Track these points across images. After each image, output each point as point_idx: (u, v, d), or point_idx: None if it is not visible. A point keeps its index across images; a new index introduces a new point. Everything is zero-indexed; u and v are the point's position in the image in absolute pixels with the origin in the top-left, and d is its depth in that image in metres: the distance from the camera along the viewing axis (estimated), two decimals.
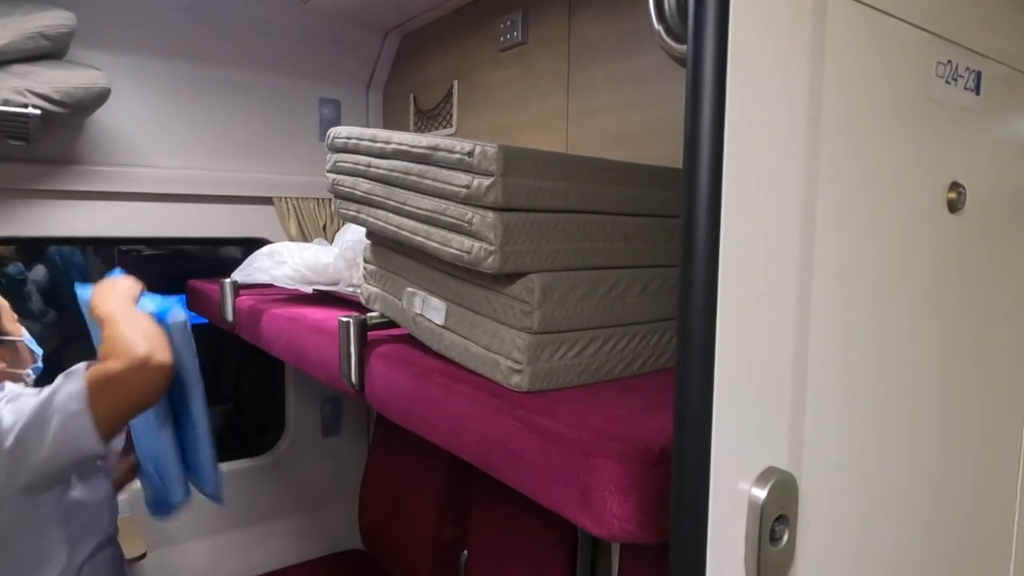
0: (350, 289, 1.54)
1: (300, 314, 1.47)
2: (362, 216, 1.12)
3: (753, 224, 0.53)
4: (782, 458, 0.60)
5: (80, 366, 1.19)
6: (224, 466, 2.50)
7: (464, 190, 0.85)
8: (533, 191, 0.84)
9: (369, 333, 1.16)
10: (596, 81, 1.73)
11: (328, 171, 1.19)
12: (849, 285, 0.68)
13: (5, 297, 1.45)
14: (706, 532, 0.53)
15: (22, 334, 1.43)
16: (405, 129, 2.51)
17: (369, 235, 1.21)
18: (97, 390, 1.14)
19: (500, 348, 0.89)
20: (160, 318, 1.32)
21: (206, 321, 2.19)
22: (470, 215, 0.85)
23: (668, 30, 0.62)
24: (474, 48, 2.16)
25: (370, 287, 1.21)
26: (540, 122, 1.92)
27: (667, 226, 0.98)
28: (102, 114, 2.04)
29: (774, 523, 0.58)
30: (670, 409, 0.79)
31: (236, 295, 1.75)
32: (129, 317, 1.25)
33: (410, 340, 1.12)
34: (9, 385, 1.26)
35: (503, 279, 0.87)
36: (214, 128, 2.32)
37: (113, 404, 1.16)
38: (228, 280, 1.76)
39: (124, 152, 2.14)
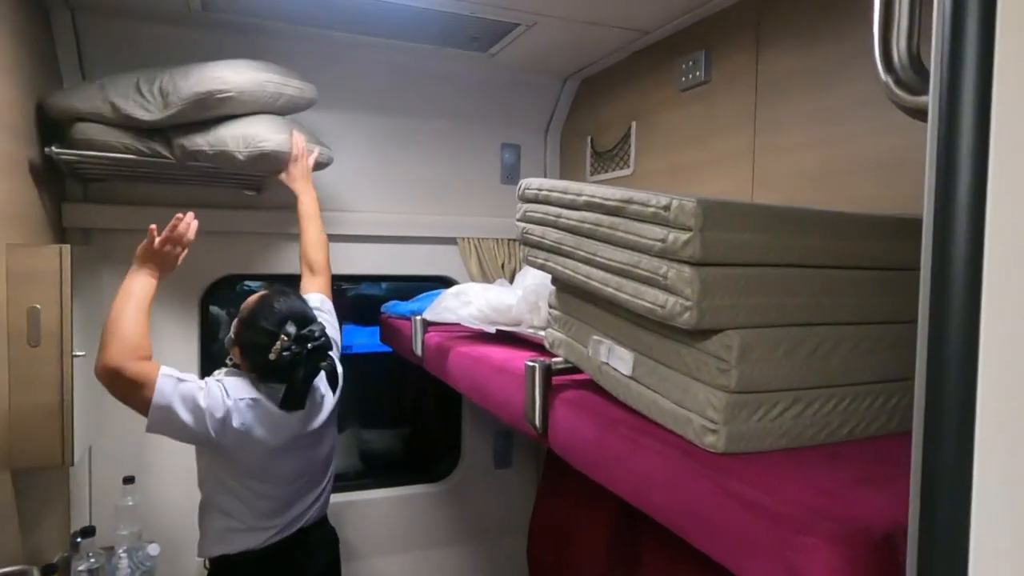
0: (531, 331, 1.58)
1: (484, 354, 1.54)
2: (550, 264, 1.15)
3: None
4: None
5: (319, 295, 1.96)
6: (402, 490, 2.67)
7: (659, 244, 0.84)
8: (732, 244, 0.82)
9: (553, 378, 1.18)
10: (785, 118, 1.65)
11: (518, 220, 1.24)
12: None
13: None
14: None
15: None
16: (582, 171, 2.56)
17: (555, 281, 1.24)
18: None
19: (693, 405, 0.86)
20: None
21: (391, 349, 2.37)
22: (665, 269, 0.84)
23: (898, 81, 0.57)
24: (653, 89, 2.16)
25: (555, 332, 1.23)
26: (722, 161, 1.86)
27: (883, 280, 0.90)
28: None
29: None
30: (892, 486, 0.73)
31: (425, 331, 1.87)
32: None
33: (594, 387, 1.12)
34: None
35: (698, 334, 0.85)
36: (407, 174, 2.52)
37: None
38: (419, 317, 1.89)
39: (336, 199, 2.41)
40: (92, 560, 1.77)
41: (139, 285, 1.61)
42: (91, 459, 2.16)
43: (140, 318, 1.58)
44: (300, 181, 2.02)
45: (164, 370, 1.57)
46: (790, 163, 1.63)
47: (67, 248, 1.64)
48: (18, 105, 1.67)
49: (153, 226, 1.62)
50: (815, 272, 0.87)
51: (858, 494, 0.71)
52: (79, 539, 1.83)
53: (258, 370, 1.63)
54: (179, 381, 1.57)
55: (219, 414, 1.56)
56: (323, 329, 1.66)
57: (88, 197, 2.13)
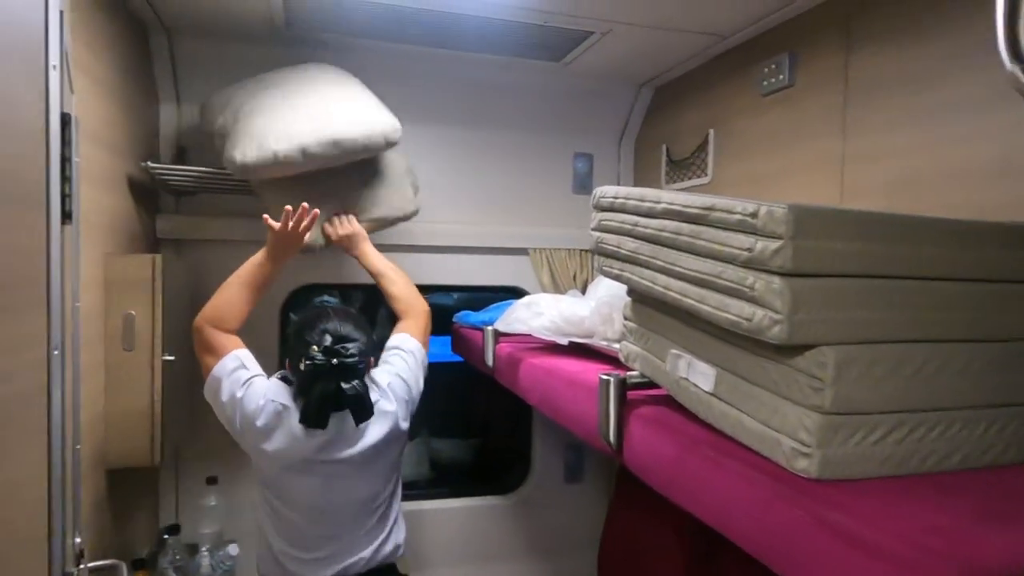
0: (604, 343, 1.54)
1: (556, 366, 1.51)
2: (626, 275, 1.11)
3: None
4: None
5: (403, 334, 1.86)
6: (471, 501, 2.66)
7: (745, 253, 0.79)
8: (827, 254, 0.76)
9: (629, 392, 1.14)
10: (878, 122, 1.55)
11: (593, 229, 1.21)
12: None
13: None
14: None
15: None
16: (656, 179, 2.50)
17: (630, 292, 1.20)
18: (423, 340, 1.89)
19: (782, 426, 0.80)
20: None
21: (462, 359, 2.37)
22: (752, 280, 0.79)
23: None
24: (732, 95, 2.08)
25: (630, 345, 1.19)
26: (806, 168, 1.77)
27: (999, 293, 0.82)
28: None
29: None
30: (1015, 523, 0.65)
31: (496, 342, 1.85)
32: (400, 272, 1.97)
33: (672, 403, 1.07)
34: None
35: (787, 349, 0.79)
36: (480, 186, 2.53)
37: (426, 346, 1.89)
38: (490, 328, 1.88)
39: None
40: (177, 557, 1.84)
41: (253, 263, 1.74)
42: (178, 459, 2.26)
43: (240, 293, 1.71)
44: (352, 250, 2.01)
45: (238, 352, 1.67)
46: (883, 170, 1.53)
47: (159, 257, 1.72)
48: (118, 123, 1.77)
49: (288, 207, 1.70)
50: (920, 284, 0.80)
51: (975, 531, 0.63)
52: (165, 536, 1.91)
53: (294, 379, 1.63)
54: (241, 366, 1.64)
55: (249, 408, 1.60)
56: (359, 350, 1.57)
57: (180, 209, 2.24)
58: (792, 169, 1.83)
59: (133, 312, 1.70)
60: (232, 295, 1.70)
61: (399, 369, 1.75)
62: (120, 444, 1.69)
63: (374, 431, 1.66)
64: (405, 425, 1.73)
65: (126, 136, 1.84)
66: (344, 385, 1.53)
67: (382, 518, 1.73)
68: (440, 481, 3.21)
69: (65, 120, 0.84)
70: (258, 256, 1.74)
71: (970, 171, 1.32)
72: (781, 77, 1.84)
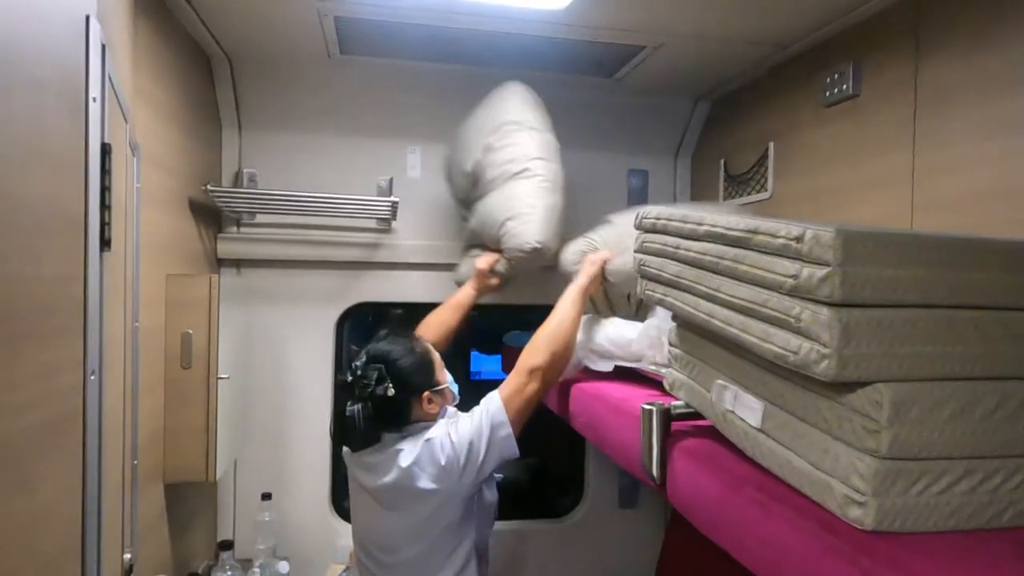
0: (653, 368, 1.48)
1: (601, 390, 1.46)
2: (669, 299, 1.06)
3: None
4: None
5: (495, 391, 1.57)
6: (526, 524, 2.62)
7: (790, 280, 0.73)
8: (882, 282, 0.69)
9: (673, 423, 1.08)
10: (952, 131, 1.44)
11: (636, 251, 1.16)
12: None
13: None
14: None
15: (448, 380, 1.68)
16: (714, 195, 2.41)
17: (675, 317, 1.14)
18: (510, 402, 1.52)
19: (834, 469, 0.73)
20: None
21: None
22: (798, 310, 0.73)
23: None
24: (793, 107, 1.99)
25: (675, 373, 1.13)
26: (874, 182, 1.66)
27: None
28: (445, 195, 2.36)
29: None
30: None
31: None
32: (556, 321, 1.65)
33: (718, 436, 1.01)
34: (450, 409, 1.64)
35: (840, 386, 0.72)
36: None
37: (519, 410, 1.52)
38: None
39: (461, 228, 2.44)
40: (229, 572, 1.87)
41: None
42: (236, 474, 2.31)
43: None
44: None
45: None
46: (959, 183, 1.42)
47: (215, 278, 1.78)
48: (181, 148, 1.84)
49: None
50: (993, 315, 0.72)
51: None
52: (220, 551, 1.95)
53: None
54: None
55: None
56: (362, 369, 1.51)
57: (240, 231, 2.32)
58: (858, 184, 1.73)
59: (191, 331, 1.76)
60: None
61: (454, 429, 1.53)
62: (177, 459, 1.74)
63: (387, 474, 1.52)
64: (427, 485, 1.49)
65: (188, 161, 1.92)
66: (348, 403, 1.51)
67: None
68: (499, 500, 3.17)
69: (105, 150, 0.86)
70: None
71: None
72: (845, 87, 1.75)
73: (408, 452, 1.50)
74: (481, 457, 1.49)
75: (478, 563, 1.63)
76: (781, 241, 0.75)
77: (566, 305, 1.67)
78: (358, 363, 1.54)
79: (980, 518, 0.70)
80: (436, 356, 1.65)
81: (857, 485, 0.70)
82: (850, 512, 0.70)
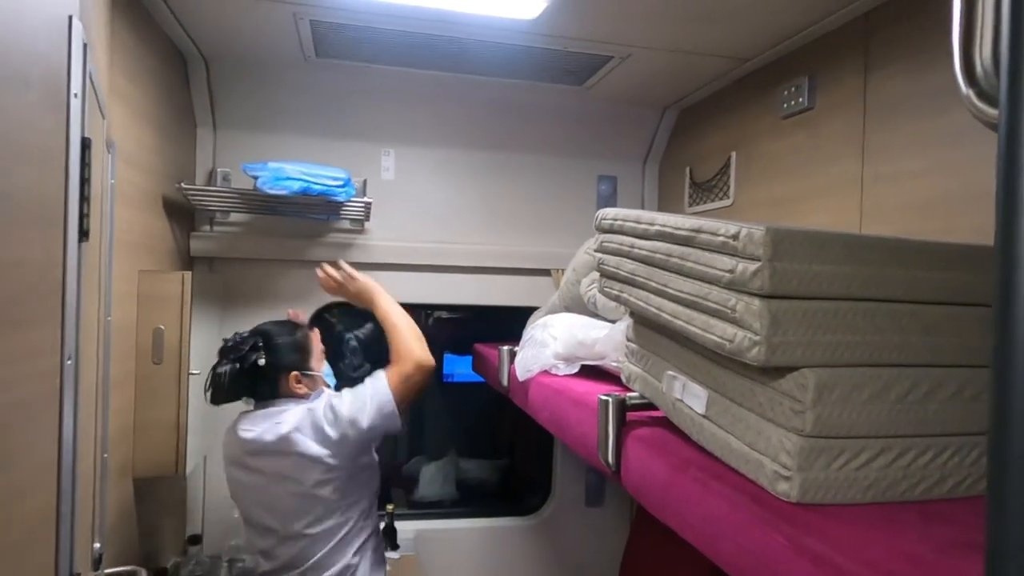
0: (615, 364, 1.54)
1: (565, 385, 1.51)
2: (624, 296, 1.12)
3: None
4: None
5: (380, 371, 1.73)
6: (493, 521, 2.66)
7: (728, 275, 0.80)
8: (808, 276, 0.76)
9: (628, 413, 1.14)
10: (897, 144, 1.53)
11: (595, 250, 1.22)
12: None
13: (326, 345, 1.90)
14: None
15: (322, 370, 1.84)
16: (680, 202, 2.49)
17: (632, 314, 1.20)
18: (395, 383, 1.68)
19: (766, 448, 0.80)
20: None
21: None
22: (734, 301, 0.79)
23: (980, 93, 0.52)
24: (753, 118, 2.08)
25: (631, 366, 1.20)
26: (827, 191, 1.75)
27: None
28: (419, 197, 2.41)
29: None
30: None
31: (511, 362, 1.87)
32: (405, 323, 1.80)
33: (669, 425, 1.07)
34: (326, 391, 1.76)
35: (771, 371, 0.79)
36: (503, 207, 2.57)
37: (403, 394, 1.69)
38: (506, 348, 1.90)
39: (434, 230, 2.49)
40: (198, 568, 1.89)
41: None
42: (206, 471, 2.32)
43: None
44: (362, 297, 1.93)
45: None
46: (903, 192, 1.51)
47: (188, 275, 1.80)
48: (155, 147, 1.87)
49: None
50: (909, 308, 0.79)
51: (950, 561, 0.62)
52: (189, 546, 1.96)
53: None
54: None
55: None
56: (242, 338, 1.70)
57: (213, 229, 2.34)
58: (812, 192, 1.81)
59: (163, 327, 1.78)
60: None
61: (338, 400, 1.65)
62: (147, 454, 1.75)
63: (269, 439, 1.63)
64: (313, 450, 1.60)
65: (162, 159, 1.94)
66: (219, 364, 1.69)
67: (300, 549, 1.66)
68: (465, 501, 3.22)
69: (85, 144, 0.90)
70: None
71: (988, 193, 1.29)
72: (801, 100, 1.84)
73: (288, 422, 1.63)
74: (365, 426, 1.63)
75: (372, 524, 1.79)
76: (720, 239, 0.81)
77: (395, 309, 1.85)
78: (243, 333, 1.72)
79: (894, 491, 0.77)
80: (316, 346, 1.81)
81: (784, 461, 0.76)
82: (778, 486, 0.77)
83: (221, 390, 1.69)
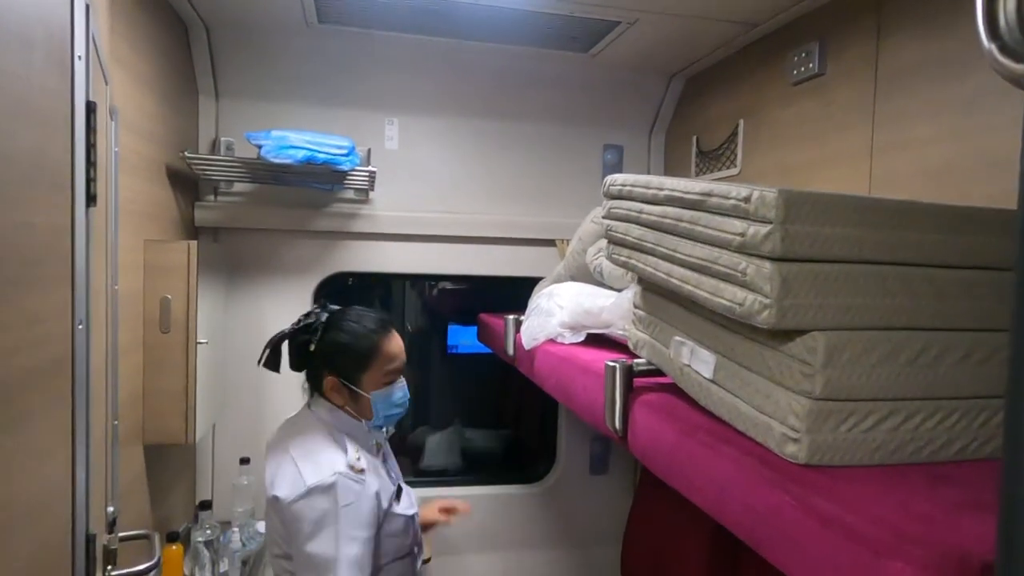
0: (620, 332, 1.55)
1: (571, 353, 1.52)
2: (632, 262, 1.12)
3: None
4: None
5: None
6: (500, 489, 2.70)
7: (739, 238, 0.79)
8: (819, 239, 0.75)
9: (635, 380, 1.15)
10: (909, 110, 1.51)
11: (603, 217, 1.22)
12: None
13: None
14: None
15: (379, 395, 1.58)
16: (687, 171, 2.47)
17: (640, 280, 1.20)
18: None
19: (774, 411, 0.80)
20: None
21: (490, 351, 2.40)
22: (744, 264, 0.79)
23: (1003, 48, 0.50)
24: (762, 85, 2.05)
25: (638, 332, 1.20)
26: (838, 158, 1.73)
27: (1005, 282, 0.79)
28: (423, 167, 2.39)
29: None
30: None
31: (516, 330, 1.87)
32: None
33: (676, 390, 1.07)
34: (349, 456, 1.51)
35: (780, 335, 0.79)
36: (508, 177, 2.55)
37: None
38: (511, 316, 1.90)
39: (438, 200, 2.48)
40: (208, 532, 1.92)
41: None
42: (215, 438, 2.35)
43: None
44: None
45: None
46: (914, 160, 1.49)
47: (194, 244, 1.80)
48: (157, 115, 1.85)
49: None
50: (920, 271, 0.79)
51: (959, 520, 0.62)
52: (199, 511, 1.99)
53: None
54: None
55: None
56: (319, 315, 1.60)
57: (217, 199, 2.33)
58: (822, 160, 1.80)
59: (169, 296, 1.78)
60: None
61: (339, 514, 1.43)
62: (156, 421, 1.77)
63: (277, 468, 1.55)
64: (274, 491, 1.49)
65: (165, 128, 1.92)
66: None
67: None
68: (470, 469, 3.26)
69: (91, 107, 0.89)
70: None
71: (1002, 160, 1.28)
72: (811, 66, 1.81)
73: (284, 476, 1.49)
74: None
75: None
76: (732, 202, 0.81)
77: None
78: (329, 310, 1.62)
79: (902, 453, 0.77)
80: (382, 362, 1.57)
81: (793, 424, 0.77)
82: (786, 448, 0.77)
83: (266, 351, 1.60)
